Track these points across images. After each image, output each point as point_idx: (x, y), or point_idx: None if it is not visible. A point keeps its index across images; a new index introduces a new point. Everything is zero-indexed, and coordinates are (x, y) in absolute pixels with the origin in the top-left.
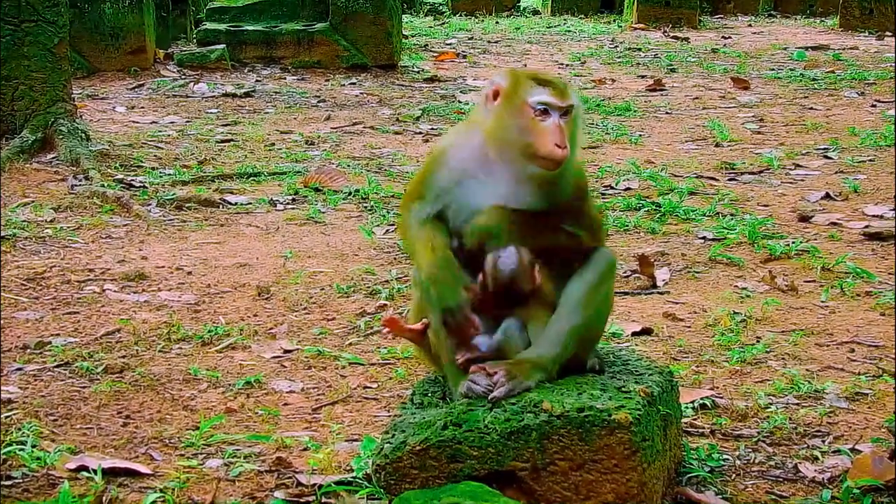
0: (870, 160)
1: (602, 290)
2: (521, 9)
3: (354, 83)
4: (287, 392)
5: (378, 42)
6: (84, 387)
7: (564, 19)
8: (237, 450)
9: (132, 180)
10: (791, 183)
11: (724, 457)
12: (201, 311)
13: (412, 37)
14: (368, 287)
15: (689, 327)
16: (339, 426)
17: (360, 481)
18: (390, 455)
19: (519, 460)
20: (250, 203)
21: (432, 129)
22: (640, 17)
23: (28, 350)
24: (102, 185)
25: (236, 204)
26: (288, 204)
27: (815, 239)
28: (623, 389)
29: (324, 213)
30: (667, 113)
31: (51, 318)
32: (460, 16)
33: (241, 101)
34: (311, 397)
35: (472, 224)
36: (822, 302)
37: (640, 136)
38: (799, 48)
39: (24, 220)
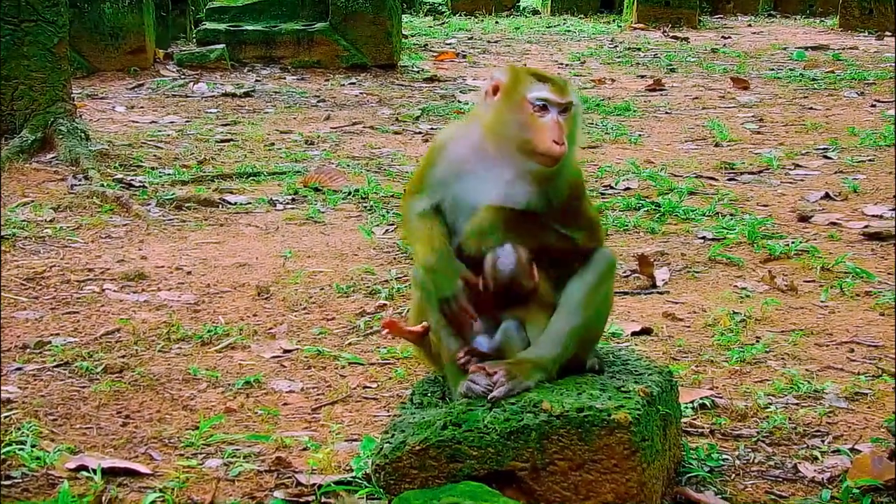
0: (869, 160)
1: (602, 290)
2: (521, 8)
3: (354, 83)
4: (287, 392)
5: (378, 42)
6: (84, 386)
7: (564, 19)
8: (237, 450)
9: (132, 180)
10: (791, 183)
11: (724, 457)
12: (201, 310)
13: (412, 36)
14: (368, 287)
15: (689, 327)
16: (339, 426)
17: (360, 481)
18: (390, 455)
19: (518, 460)
20: (250, 203)
21: (432, 128)
22: (639, 17)
23: (28, 350)
24: (102, 185)
25: (236, 204)
26: (287, 204)
27: (815, 239)
28: (622, 389)
29: (323, 212)
30: (666, 113)
31: (50, 318)
32: (460, 16)
33: (241, 101)
34: (311, 397)
35: (469, 226)
36: (822, 302)
37: (640, 135)
38: (798, 48)
39: (23, 220)
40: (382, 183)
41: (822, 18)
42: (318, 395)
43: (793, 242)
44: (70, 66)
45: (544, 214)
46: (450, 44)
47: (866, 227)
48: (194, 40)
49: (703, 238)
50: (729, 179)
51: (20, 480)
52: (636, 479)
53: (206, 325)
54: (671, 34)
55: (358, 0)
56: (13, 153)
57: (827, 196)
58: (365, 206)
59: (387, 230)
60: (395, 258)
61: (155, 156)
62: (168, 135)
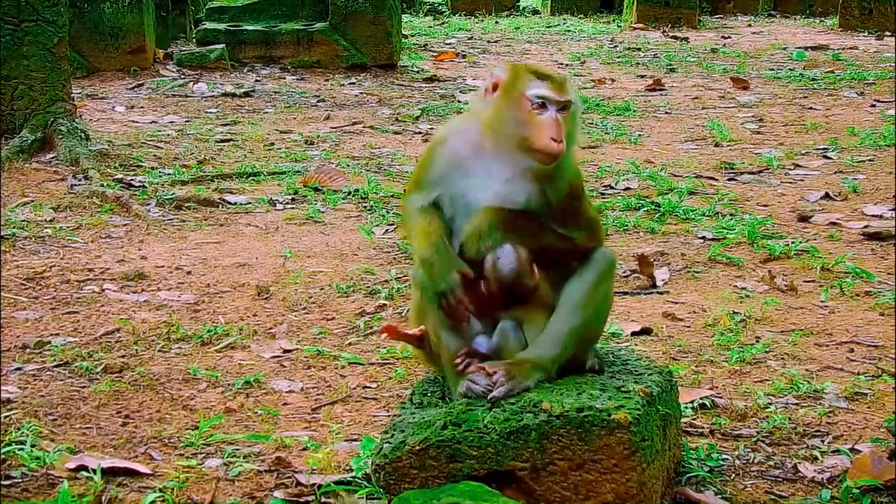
0: (869, 160)
1: (601, 290)
2: (521, 8)
3: (354, 83)
4: (286, 392)
5: (377, 42)
6: (83, 386)
7: (564, 19)
8: (236, 449)
9: (131, 180)
10: (790, 183)
11: (724, 457)
12: (201, 310)
13: (412, 36)
14: (368, 287)
15: (689, 327)
16: (339, 426)
17: (360, 481)
18: (390, 455)
19: (518, 460)
20: (250, 203)
21: (432, 128)
22: (639, 17)
23: (27, 350)
24: (102, 185)
25: (236, 204)
26: (287, 204)
27: (815, 239)
28: (622, 389)
29: (323, 212)
30: (666, 113)
31: (50, 318)
32: (460, 15)
33: (241, 101)
34: (311, 397)
35: (468, 228)
36: (822, 302)
37: (640, 135)
38: (798, 48)
39: (23, 220)
40: (382, 183)
41: (822, 18)
42: (317, 395)
43: (793, 242)
44: (70, 65)
45: (543, 214)
46: (450, 44)
47: (866, 227)
48: (194, 40)
49: (703, 238)
50: (729, 179)
51: (20, 480)
52: (636, 479)
53: (205, 324)
54: (671, 34)
55: (358, 0)
56: (13, 153)
57: (827, 196)
58: (365, 206)
59: (387, 230)
60: (394, 258)
61: (155, 156)
62: (168, 135)
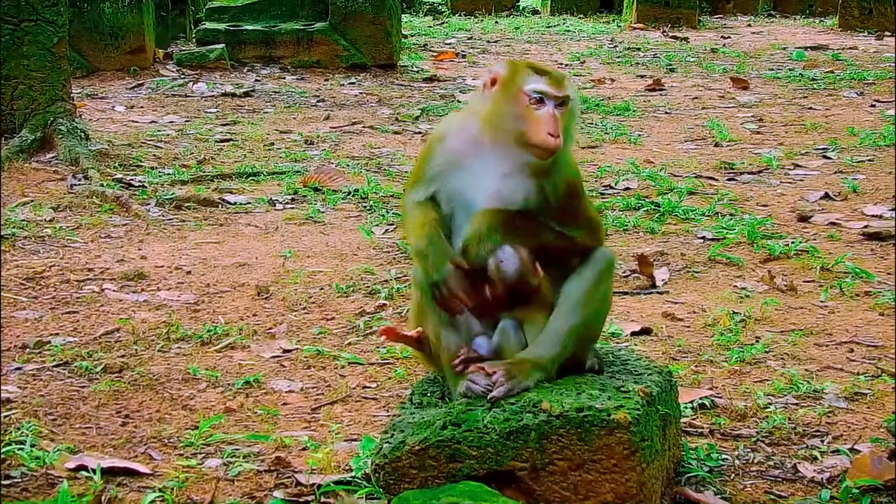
0: (869, 160)
1: (601, 290)
2: (521, 8)
3: (354, 83)
4: (286, 392)
5: (377, 42)
6: (83, 386)
7: (564, 19)
8: (236, 449)
9: (131, 180)
10: (790, 183)
11: (723, 456)
12: (200, 310)
13: (411, 36)
14: (368, 287)
15: (689, 327)
16: (339, 426)
17: (359, 481)
18: (389, 455)
19: (518, 460)
20: (249, 203)
21: (431, 128)
22: (639, 17)
23: (27, 349)
24: (102, 185)
25: (235, 203)
26: (287, 203)
27: (815, 239)
28: (622, 389)
29: (323, 212)
30: (666, 113)
31: (50, 318)
32: (459, 15)
33: (241, 101)
34: (311, 397)
35: (467, 232)
36: (822, 302)
37: (640, 135)
38: (798, 48)
39: (23, 220)
40: (382, 183)
41: (822, 18)
42: (317, 394)
43: (792, 242)
44: (70, 65)
45: (542, 213)
46: (449, 44)
47: (866, 227)
48: (194, 40)
49: (703, 238)
50: (728, 179)
51: (20, 480)
52: (636, 479)
53: (205, 324)
54: (671, 34)
55: (357, 0)
56: (13, 153)
57: (826, 196)
58: (364, 206)
59: (386, 230)
60: (394, 258)
61: (154, 155)
62: (168, 134)
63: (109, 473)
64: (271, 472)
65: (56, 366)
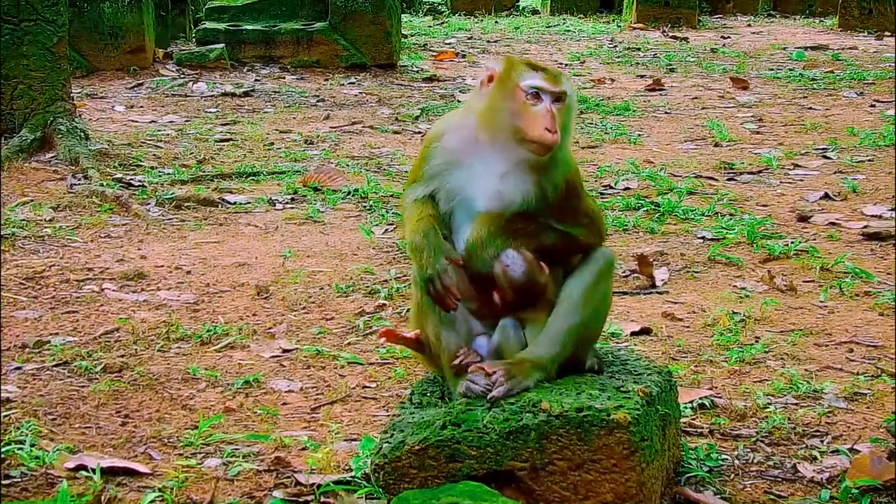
0: (868, 160)
1: (600, 290)
2: (521, 8)
3: (353, 82)
4: (286, 391)
5: (377, 41)
6: (83, 386)
7: (563, 19)
8: (236, 449)
9: (131, 179)
10: (790, 183)
11: (723, 456)
12: (200, 310)
13: (411, 36)
14: (367, 286)
15: (688, 327)
16: (338, 426)
17: (359, 481)
18: (389, 455)
19: (518, 460)
20: (249, 202)
21: (430, 128)
22: (639, 17)
23: (27, 349)
24: (101, 185)
25: (235, 203)
26: (287, 203)
27: (814, 239)
28: (622, 389)
29: (323, 212)
30: (666, 113)
31: (50, 318)
32: (459, 15)
33: (240, 101)
34: (310, 397)
35: (468, 238)
36: (821, 302)
37: (639, 135)
38: (798, 48)
39: (23, 219)
40: (382, 182)
41: (822, 18)
42: (317, 394)
43: (792, 242)
44: (69, 65)
45: (541, 211)
46: (449, 43)
47: (866, 227)
48: (194, 40)
49: (703, 238)
50: (728, 179)
51: (19, 480)
52: (635, 479)
53: (205, 324)
54: (670, 34)
55: (357, 0)
56: (13, 152)
57: (826, 196)
58: (364, 206)
59: (386, 230)
60: (394, 258)
61: (154, 155)
62: (167, 134)
63: (109, 473)
64: (271, 471)
65: (56, 365)
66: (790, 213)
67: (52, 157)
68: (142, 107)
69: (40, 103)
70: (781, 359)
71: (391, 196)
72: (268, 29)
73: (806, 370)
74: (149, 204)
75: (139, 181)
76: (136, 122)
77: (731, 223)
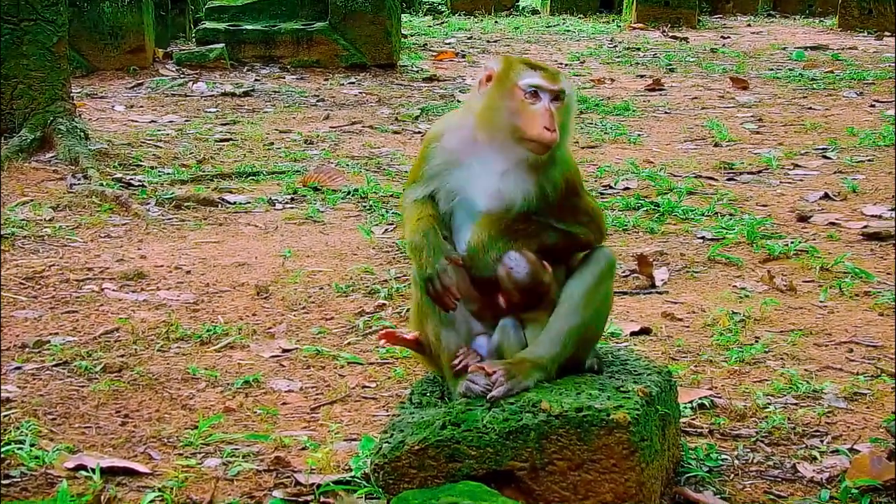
0: (868, 160)
1: (601, 290)
2: (520, 8)
3: (353, 82)
4: (286, 391)
5: (377, 41)
6: (82, 386)
7: (563, 19)
8: (236, 449)
9: (131, 179)
10: (790, 183)
11: (723, 456)
12: (200, 310)
13: (411, 36)
14: (367, 286)
15: (688, 327)
16: (338, 425)
17: (359, 481)
18: (389, 454)
19: (517, 460)
20: (249, 202)
21: (430, 127)
22: (639, 17)
23: (27, 349)
24: (101, 184)
25: (235, 203)
26: (287, 203)
27: (814, 239)
28: (622, 389)
29: (322, 212)
30: (666, 113)
31: (49, 317)
32: (459, 15)
33: (240, 101)
34: (310, 397)
35: (469, 242)
36: (821, 302)
37: (639, 135)
38: (798, 48)
39: (23, 219)
40: (382, 182)
41: (822, 18)
42: (317, 394)
43: (792, 242)
44: (69, 65)
45: (541, 210)
46: (449, 43)
47: (865, 227)
48: (194, 40)
49: (703, 238)
50: (728, 179)
51: (19, 480)
52: (635, 479)
53: (205, 324)
54: (670, 34)
55: (357, 0)
56: (12, 152)
57: (826, 196)
58: (364, 206)
59: (386, 230)
60: (394, 258)
61: (154, 155)
62: (167, 134)
63: (109, 473)
64: (271, 471)
65: (55, 365)
66: (790, 213)
67: (51, 156)
68: (142, 107)
69: (40, 103)
70: (781, 359)
71: (391, 196)
72: (268, 29)
73: (806, 370)
74: (149, 204)
75: (139, 181)
76: (136, 121)
77: (731, 223)
